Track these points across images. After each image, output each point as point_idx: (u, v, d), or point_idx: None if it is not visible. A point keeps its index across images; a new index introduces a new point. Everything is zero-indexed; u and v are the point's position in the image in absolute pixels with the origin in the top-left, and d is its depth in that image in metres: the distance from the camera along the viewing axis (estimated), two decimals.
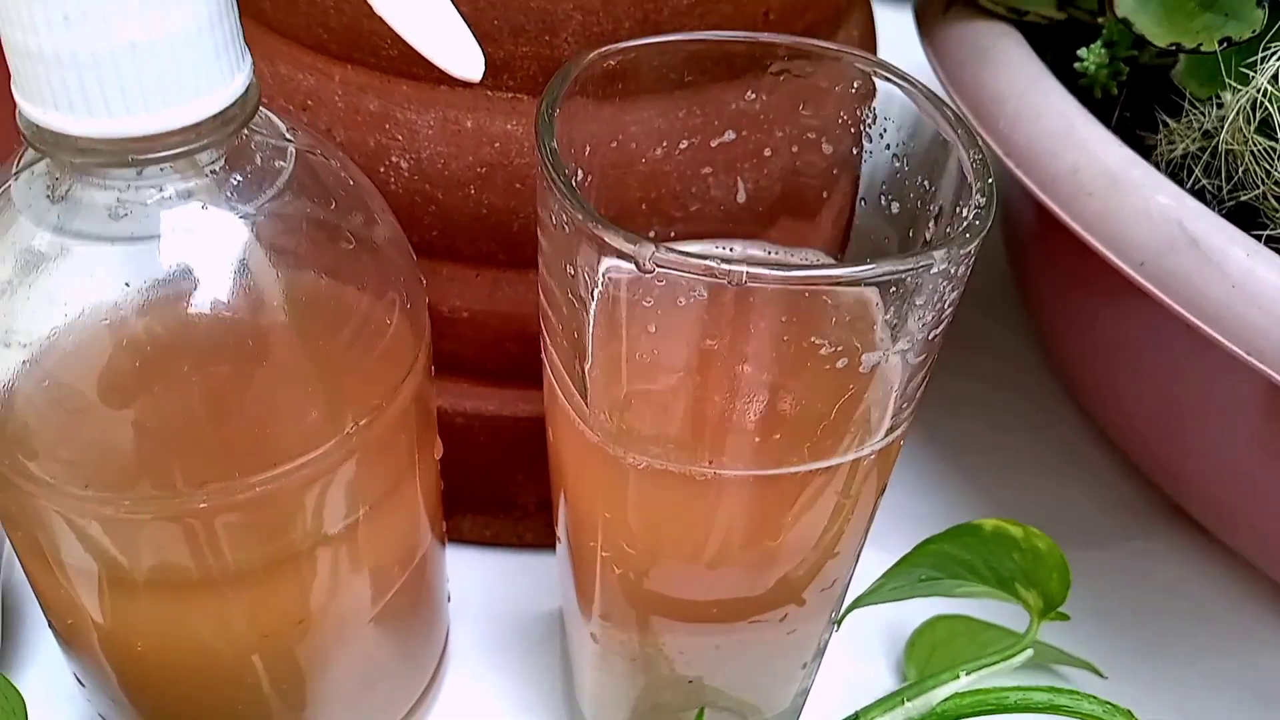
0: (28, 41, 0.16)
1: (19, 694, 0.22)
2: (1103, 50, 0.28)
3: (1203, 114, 0.27)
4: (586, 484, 0.22)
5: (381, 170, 0.26)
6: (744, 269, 0.16)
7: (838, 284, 0.17)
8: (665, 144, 0.23)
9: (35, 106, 0.17)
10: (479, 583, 0.30)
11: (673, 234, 0.24)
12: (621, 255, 0.17)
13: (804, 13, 0.27)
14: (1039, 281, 0.32)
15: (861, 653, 0.29)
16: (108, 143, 0.17)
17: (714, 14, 0.25)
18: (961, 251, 0.17)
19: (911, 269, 0.17)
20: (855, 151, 0.22)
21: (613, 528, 0.21)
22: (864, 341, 0.18)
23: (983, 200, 0.18)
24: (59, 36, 0.16)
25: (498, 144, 0.26)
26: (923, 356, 0.19)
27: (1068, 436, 0.36)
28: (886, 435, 0.20)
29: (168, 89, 0.17)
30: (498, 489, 0.31)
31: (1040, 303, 0.33)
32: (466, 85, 0.26)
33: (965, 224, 0.18)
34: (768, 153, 0.23)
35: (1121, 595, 0.31)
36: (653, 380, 0.19)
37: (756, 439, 0.19)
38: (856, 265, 0.16)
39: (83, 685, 0.24)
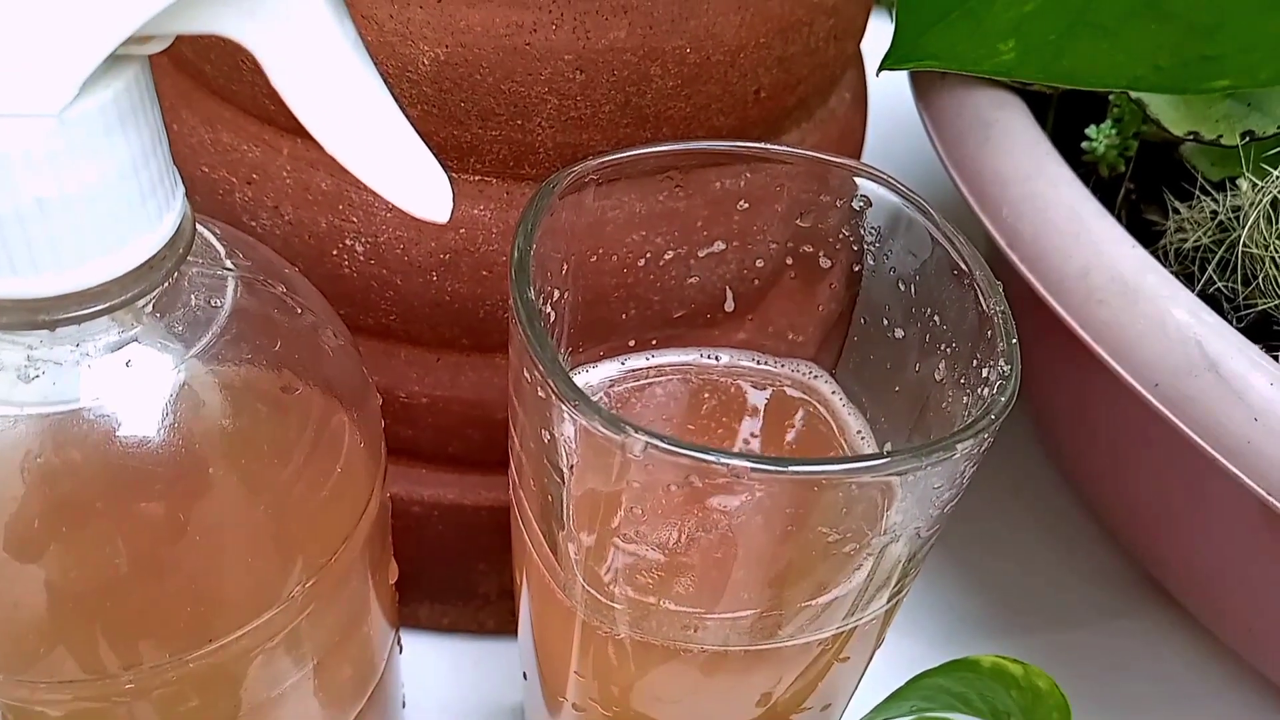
0: None
1: None
2: (1112, 130, 0.26)
3: (1215, 199, 0.25)
4: (556, 637, 0.20)
5: (334, 253, 0.24)
6: (747, 464, 0.14)
7: (846, 477, 0.15)
8: (645, 256, 0.21)
9: None
10: (436, 674, 0.29)
11: (654, 341, 0.22)
12: (602, 439, 0.15)
13: (795, 87, 0.25)
14: (1037, 371, 0.31)
15: None
16: (13, 303, 0.15)
17: (701, 95, 0.23)
18: (987, 435, 0.15)
19: (933, 462, 0.15)
20: (855, 269, 0.20)
21: (584, 688, 0.20)
22: (873, 524, 0.16)
23: (1007, 369, 0.16)
24: None
25: (463, 230, 0.24)
26: (934, 528, 0.17)
27: (1063, 518, 0.34)
28: (889, 601, 0.18)
29: (84, 243, 0.14)
30: (457, 577, 0.29)
31: (1038, 392, 0.31)
32: None
33: (988, 401, 0.16)
34: (759, 263, 0.21)
35: (1107, 676, 0.30)
36: (637, 557, 0.17)
37: (750, 617, 0.17)
38: (869, 460, 0.15)
39: None
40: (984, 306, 0.17)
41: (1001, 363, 0.16)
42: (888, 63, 0.14)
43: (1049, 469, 0.35)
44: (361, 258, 0.24)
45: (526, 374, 0.16)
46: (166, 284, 0.16)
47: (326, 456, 0.18)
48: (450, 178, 0.19)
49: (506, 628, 0.29)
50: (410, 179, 0.16)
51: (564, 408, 0.15)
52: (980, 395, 0.17)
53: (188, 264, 0.17)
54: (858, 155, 0.30)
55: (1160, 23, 0.14)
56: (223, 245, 0.18)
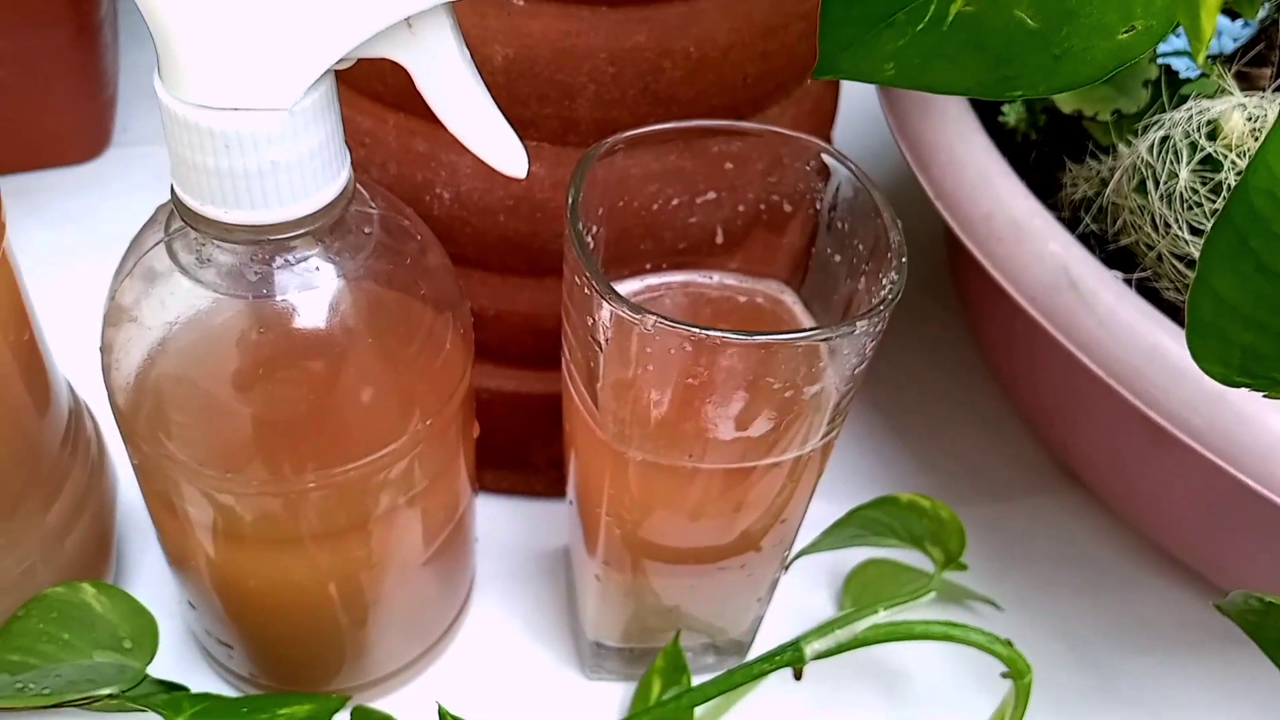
0: (194, 158, 0.22)
1: (151, 616, 0.29)
2: (1021, 107, 0.34)
3: (1100, 162, 0.33)
4: (594, 466, 0.28)
5: (426, 199, 0.32)
6: (719, 334, 0.23)
7: (784, 344, 0.23)
8: (659, 201, 0.29)
9: (194, 199, 0.23)
10: (499, 526, 0.37)
11: (664, 265, 0.30)
12: (630, 322, 0.23)
13: (775, 74, 0.32)
14: (967, 284, 0.39)
15: (809, 588, 0.36)
16: (247, 228, 0.23)
17: (702, 80, 0.31)
18: (877, 320, 0.23)
19: (840, 334, 0.23)
20: (810, 212, 0.28)
21: (614, 499, 0.28)
22: (806, 377, 0.24)
23: (897, 277, 0.24)
24: (220, 158, 0.22)
25: (524, 182, 0.32)
26: (850, 385, 0.25)
27: (985, 407, 0.42)
28: (823, 437, 0.26)
29: (294, 190, 0.23)
30: (514, 450, 0.37)
31: (969, 301, 0.39)
32: None
33: (882, 297, 0.24)
34: (741, 208, 0.29)
35: (1019, 543, 0.38)
36: (649, 398, 0.25)
37: (727, 443, 0.25)
38: (795, 332, 0.23)
39: (193, 607, 0.31)
40: (889, 237, 0.25)
41: (893, 274, 0.24)
42: (815, 74, 0.21)
43: (981, 372, 0.43)
44: (446, 203, 0.32)
45: (577, 279, 0.24)
46: (339, 218, 0.24)
47: (437, 339, 0.27)
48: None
49: (552, 491, 0.38)
50: (500, 147, 0.24)
51: (602, 300, 0.23)
52: (880, 296, 0.25)
53: (348, 206, 0.25)
54: (830, 124, 0.38)
55: (980, 54, 0.21)
56: (366, 191, 0.26)
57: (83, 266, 0.35)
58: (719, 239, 0.30)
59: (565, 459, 0.31)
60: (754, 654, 0.33)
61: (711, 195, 0.29)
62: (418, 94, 0.29)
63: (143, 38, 0.53)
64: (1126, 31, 0.19)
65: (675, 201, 0.29)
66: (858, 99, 0.41)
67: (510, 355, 0.35)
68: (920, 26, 0.21)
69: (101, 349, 0.26)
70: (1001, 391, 0.43)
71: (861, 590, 0.35)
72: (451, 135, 0.32)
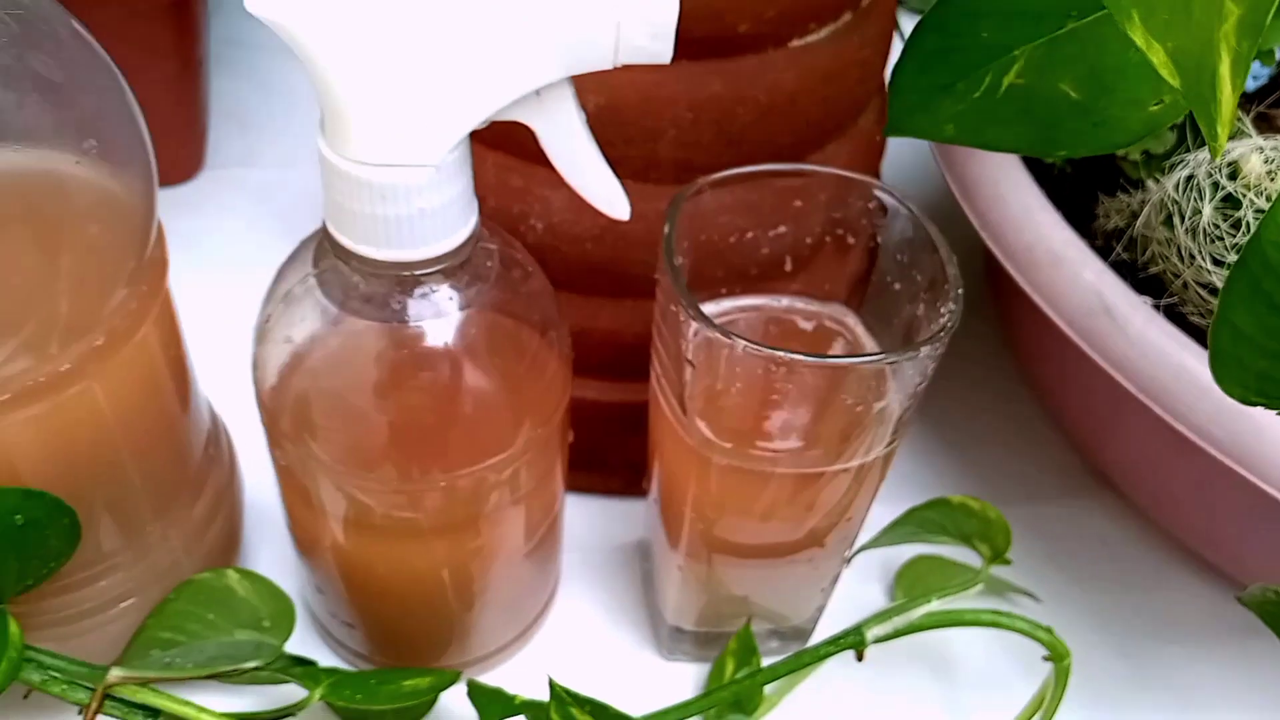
0: (352, 205, 0.26)
1: (288, 598, 0.33)
2: None
3: (1131, 196, 0.36)
4: (680, 470, 0.32)
5: (521, 229, 0.36)
6: (800, 357, 0.26)
7: (856, 366, 0.27)
8: (735, 234, 0.32)
9: (348, 239, 0.26)
10: (579, 521, 0.41)
11: (738, 290, 0.34)
12: (722, 345, 0.27)
13: (835, 115, 0.36)
14: (1007, 305, 0.42)
15: (864, 580, 0.40)
16: (395, 264, 0.27)
17: (770, 123, 0.34)
18: (939, 344, 0.27)
19: (906, 357, 0.26)
20: (870, 244, 0.32)
21: (698, 500, 0.31)
22: (873, 394, 0.28)
23: (954, 307, 0.28)
24: (376, 206, 0.25)
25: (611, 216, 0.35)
26: (911, 401, 0.29)
27: (1021, 417, 0.46)
28: (886, 447, 0.30)
29: (436, 232, 0.26)
30: (593, 453, 0.41)
31: (1008, 320, 0.42)
32: None
33: (941, 325, 0.27)
34: (808, 240, 0.33)
35: (1055, 542, 0.42)
36: (733, 410, 0.29)
37: (801, 451, 0.29)
38: (866, 355, 0.26)
39: (320, 591, 0.35)
40: (945, 271, 0.29)
41: (951, 304, 0.28)
42: (885, 132, 0.25)
43: (1020, 385, 0.47)
44: (539, 232, 0.36)
45: (672, 306, 0.28)
46: (468, 255, 0.28)
47: (544, 358, 0.30)
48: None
49: (626, 490, 0.41)
50: (607, 193, 0.27)
51: (696, 325, 0.27)
52: (940, 323, 0.28)
53: (476, 243, 0.28)
54: (880, 157, 0.41)
55: (1028, 120, 0.25)
56: (485, 228, 0.30)
57: (190, 281, 0.38)
58: (787, 266, 0.33)
59: (649, 463, 0.34)
60: (814, 640, 0.37)
61: (782, 229, 0.32)
62: (513, 134, 0.33)
63: (224, 67, 0.57)
64: (1157, 104, 0.23)
65: (750, 234, 0.33)
66: None
67: (591, 367, 0.39)
68: (977, 94, 0.25)
69: (253, 364, 0.30)
70: (1037, 403, 0.46)
71: (913, 582, 0.38)
72: (544, 172, 0.35)
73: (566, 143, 0.26)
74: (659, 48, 0.24)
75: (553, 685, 0.30)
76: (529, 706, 0.31)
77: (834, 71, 0.35)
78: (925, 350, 0.27)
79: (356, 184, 0.25)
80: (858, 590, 0.39)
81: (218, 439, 0.35)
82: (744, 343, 0.26)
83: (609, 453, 0.41)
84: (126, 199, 0.26)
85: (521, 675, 0.37)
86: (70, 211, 0.25)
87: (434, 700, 0.35)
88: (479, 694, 0.31)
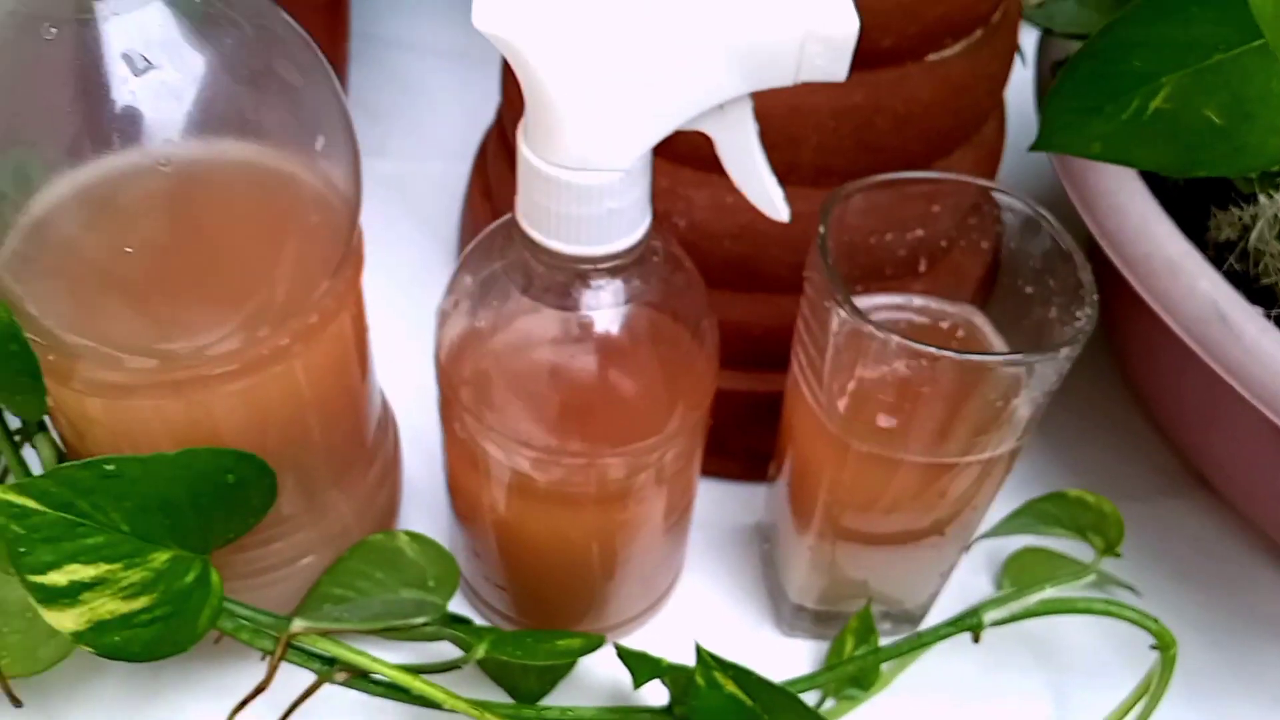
0: (547, 204, 0.28)
1: (454, 561, 0.35)
2: None
3: (1243, 210, 0.38)
4: (817, 457, 0.34)
5: (665, 226, 0.38)
6: (949, 353, 0.28)
7: (995, 365, 0.29)
8: (876, 236, 0.35)
9: (540, 234, 0.29)
10: (702, 502, 0.43)
11: (874, 287, 0.36)
12: (874, 339, 0.29)
13: (965, 125, 0.38)
14: (1117, 319, 0.44)
15: (971, 569, 0.42)
16: (581, 258, 0.29)
17: (905, 132, 0.37)
18: (1076, 347, 0.29)
19: (1046, 358, 0.29)
20: (1002, 249, 0.34)
21: (833, 486, 0.34)
22: (1011, 391, 0.30)
23: (1090, 312, 0.30)
24: (571, 206, 0.28)
25: (750, 214, 0.37)
26: (1044, 399, 0.31)
27: (1122, 417, 0.48)
28: (1016, 441, 0.32)
29: (620, 230, 0.29)
30: (716, 438, 0.43)
31: (1116, 333, 0.44)
32: None
33: (1078, 329, 0.29)
34: (943, 243, 0.35)
35: (1155, 539, 0.44)
36: (878, 401, 0.31)
37: (938, 442, 0.31)
38: (1010, 354, 0.28)
39: (476, 555, 0.37)
40: (1080, 277, 0.31)
41: (1087, 308, 0.30)
42: (1035, 147, 0.27)
43: (1124, 388, 0.48)
44: (681, 229, 0.38)
45: (825, 302, 0.30)
46: (641, 252, 0.30)
47: (697, 347, 0.33)
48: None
49: (746, 474, 0.44)
50: (770, 197, 0.30)
51: (849, 319, 0.29)
52: (1075, 327, 0.30)
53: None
54: (998, 162, 0.43)
55: (1172, 142, 0.27)
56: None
57: None
58: (921, 267, 0.36)
59: (779, 450, 0.37)
60: (925, 624, 0.39)
61: (919, 232, 0.35)
62: (664, 141, 0.35)
63: (358, 60, 0.60)
64: None
65: (888, 236, 0.35)
66: (1020, 139, 0.46)
67: (719, 358, 0.41)
68: (1125, 116, 0.27)
69: (436, 343, 0.33)
70: (1136, 403, 0.48)
71: (1020, 572, 0.41)
72: (688, 173, 0.38)
73: (741, 152, 0.28)
74: (836, 68, 0.27)
75: (699, 650, 0.32)
76: (674, 669, 0.33)
77: (965, 84, 0.37)
78: (1065, 352, 0.29)
79: (556, 185, 0.28)
80: (964, 578, 0.42)
81: (385, 416, 0.38)
82: (896, 338, 0.29)
83: (731, 439, 0.43)
84: (340, 192, 0.29)
85: (650, 644, 0.39)
86: (298, 203, 0.28)
87: (574, 662, 0.38)
88: (629, 656, 0.34)
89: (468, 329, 0.32)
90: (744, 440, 0.43)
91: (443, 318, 0.32)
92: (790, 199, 0.36)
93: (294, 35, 0.28)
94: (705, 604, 0.41)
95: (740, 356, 0.41)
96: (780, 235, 0.38)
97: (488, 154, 0.49)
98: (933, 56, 0.36)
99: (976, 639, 0.36)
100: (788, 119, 0.36)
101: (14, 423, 0.33)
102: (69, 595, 0.29)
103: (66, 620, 0.29)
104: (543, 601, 0.38)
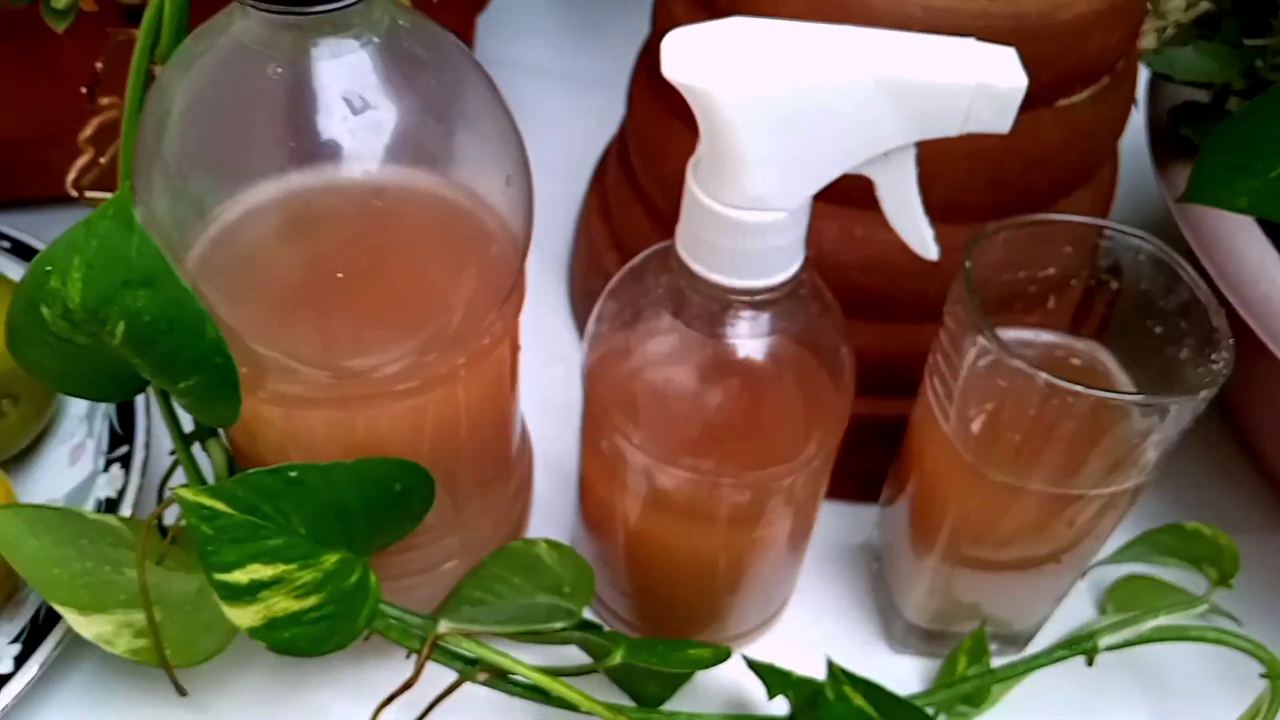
0: (713, 239, 0.30)
1: (590, 569, 0.37)
2: None
3: None
4: (945, 481, 0.35)
5: None
6: (1097, 393, 0.30)
7: (1139, 405, 0.30)
8: (1009, 273, 0.36)
9: (702, 266, 0.30)
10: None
11: (1006, 321, 0.37)
12: (1019, 374, 0.30)
13: (1089, 166, 0.40)
14: None
15: (1074, 592, 0.43)
16: (739, 290, 0.31)
17: (1035, 173, 0.38)
18: (1213, 390, 0.30)
19: (1185, 399, 0.30)
20: (1133, 289, 0.35)
21: (960, 512, 0.35)
22: (1148, 429, 0.31)
23: (1227, 355, 0.31)
24: (737, 242, 0.29)
25: (878, 247, 0.39)
26: (1176, 437, 0.32)
27: (1222, 454, 0.48)
28: (1145, 476, 0.33)
29: (778, 265, 0.30)
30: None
31: None
32: (863, 209, 0.39)
33: (1215, 373, 0.31)
34: (1073, 283, 0.36)
35: (1255, 571, 0.45)
36: (1012, 430, 0.32)
37: (1071, 474, 0.32)
38: (1156, 395, 0.30)
39: (605, 563, 0.39)
40: (1212, 321, 0.32)
41: (1224, 352, 0.31)
42: (1186, 199, 0.28)
43: (1223, 421, 0.49)
44: (810, 259, 0.40)
45: (968, 335, 0.32)
46: (793, 284, 0.32)
47: (835, 378, 0.34)
48: (875, 214, 0.35)
49: (858, 496, 0.45)
50: (922, 236, 0.31)
51: (998, 353, 0.31)
52: (1210, 369, 0.31)
53: None
54: (1111, 204, 0.44)
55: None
56: None
57: None
58: (1050, 304, 0.37)
59: (902, 474, 0.38)
60: (1031, 648, 0.40)
61: (1051, 270, 0.36)
62: None
63: None
64: None
65: (1021, 273, 0.36)
66: (1131, 181, 0.47)
67: None
68: (1273, 174, 0.28)
69: (586, 362, 0.34)
70: (1237, 439, 0.49)
71: (1126, 598, 0.42)
72: (820, 205, 0.39)
73: (901, 194, 0.30)
74: (1002, 120, 0.28)
75: (830, 664, 0.34)
76: (803, 683, 0.35)
77: (1090, 127, 0.39)
78: (1204, 394, 0.30)
79: (724, 222, 0.29)
80: (1068, 603, 0.43)
81: (524, 433, 0.39)
82: (1045, 376, 0.30)
83: (844, 461, 0.44)
84: (518, 225, 0.31)
85: (764, 656, 0.41)
86: (480, 235, 0.30)
87: (693, 673, 0.39)
88: (760, 668, 0.35)
89: (618, 350, 0.34)
90: (857, 463, 0.44)
91: (593, 339, 0.34)
92: None
93: (483, 77, 0.30)
94: (816, 619, 0.42)
95: (858, 381, 0.43)
96: (906, 267, 0.39)
97: (606, 178, 0.50)
98: (1063, 102, 0.37)
99: (1090, 662, 0.37)
100: (924, 158, 0.37)
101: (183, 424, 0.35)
102: (249, 593, 0.30)
103: (245, 617, 0.31)
104: (667, 610, 0.40)
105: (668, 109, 0.42)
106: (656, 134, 0.43)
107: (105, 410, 0.42)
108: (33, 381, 0.39)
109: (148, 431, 0.41)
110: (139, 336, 0.28)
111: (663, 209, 0.44)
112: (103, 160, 0.34)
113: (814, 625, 0.42)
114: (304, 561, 0.31)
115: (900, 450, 0.39)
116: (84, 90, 0.35)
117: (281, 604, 0.31)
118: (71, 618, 0.34)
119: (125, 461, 0.40)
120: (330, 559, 0.32)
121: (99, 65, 0.34)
